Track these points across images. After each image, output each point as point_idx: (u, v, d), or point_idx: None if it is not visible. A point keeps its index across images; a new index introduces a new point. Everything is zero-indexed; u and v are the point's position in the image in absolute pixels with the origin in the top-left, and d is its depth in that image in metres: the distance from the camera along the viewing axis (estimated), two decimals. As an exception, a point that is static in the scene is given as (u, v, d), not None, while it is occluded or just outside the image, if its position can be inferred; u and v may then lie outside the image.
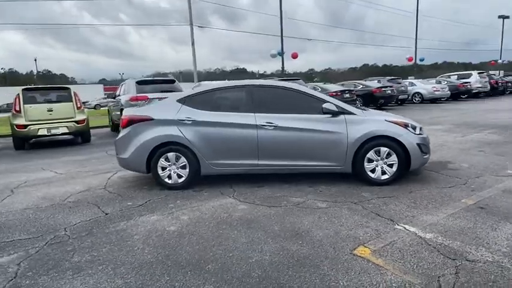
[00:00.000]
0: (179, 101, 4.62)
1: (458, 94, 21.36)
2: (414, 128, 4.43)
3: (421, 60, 32.28)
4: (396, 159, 4.29)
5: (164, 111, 4.59)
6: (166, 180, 4.55)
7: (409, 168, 4.36)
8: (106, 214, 3.78)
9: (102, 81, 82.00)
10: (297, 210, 3.64)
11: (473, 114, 12.64)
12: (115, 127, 12.73)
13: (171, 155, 4.49)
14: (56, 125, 8.78)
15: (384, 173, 4.34)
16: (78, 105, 9.26)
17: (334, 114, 4.35)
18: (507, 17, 41.67)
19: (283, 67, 22.04)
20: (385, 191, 4.13)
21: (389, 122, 4.38)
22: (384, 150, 4.29)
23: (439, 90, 19.94)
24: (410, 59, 30.73)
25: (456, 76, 23.94)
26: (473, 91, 21.84)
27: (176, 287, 2.34)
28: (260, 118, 4.40)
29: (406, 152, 4.27)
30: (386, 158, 4.31)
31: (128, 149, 4.59)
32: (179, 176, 4.54)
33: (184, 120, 4.47)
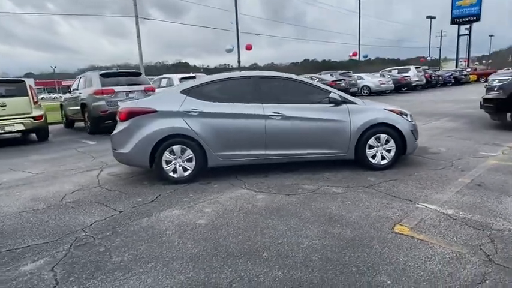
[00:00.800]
0: (183, 92, 4.45)
1: (400, 87, 23.22)
2: (406, 115, 4.78)
3: (365, 56, 34.45)
4: (394, 145, 4.60)
5: (168, 102, 4.39)
6: (172, 174, 4.37)
7: (405, 153, 4.70)
8: (120, 212, 3.54)
9: (30, 75, 74.48)
10: (317, 197, 3.75)
11: (421, 104, 13.87)
12: (69, 123, 11.80)
13: (176, 147, 4.32)
14: (10, 121, 7.86)
15: (383, 158, 4.63)
16: (35, 100, 8.39)
17: (338, 103, 4.53)
18: (434, 18, 46.00)
19: (239, 61, 22.04)
20: (387, 175, 4.42)
21: (388, 110, 4.67)
22: (384, 136, 4.57)
23: (384, 84, 21.49)
24: (354, 54, 32.59)
25: (397, 70, 25.98)
26: (413, 84, 23.91)
27: (244, 276, 2.31)
28: (268, 108, 4.42)
29: (402, 138, 4.60)
30: (385, 144, 4.60)
31: (128, 143, 4.32)
32: (184, 170, 4.39)
33: (190, 111, 4.32)
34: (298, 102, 4.55)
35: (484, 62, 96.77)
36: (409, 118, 4.76)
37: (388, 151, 4.62)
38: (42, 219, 3.43)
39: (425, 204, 3.39)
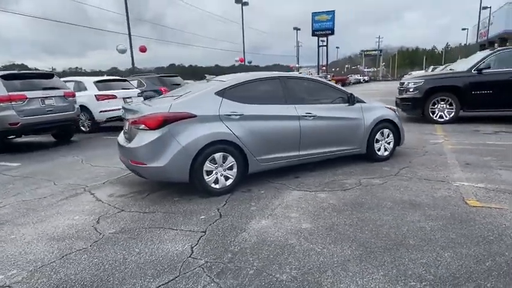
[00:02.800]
0: (218, 93, 4.10)
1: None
2: (396, 111, 5.58)
3: (249, 62, 36.54)
4: (393, 138, 5.32)
5: (205, 106, 3.97)
6: (213, 185, 3.98)
7: (399, 145, 5.48)
8: (204, 232, 3.09)
9: None
10: (370, 188, 4.07)
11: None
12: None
13: (218, 155, 3.95)
14: None
15: (385, 150, 5.29)
16: None
17: (353, 102, 4.95)
18: (299, 29, 52.25)
19: (133, 63, 20.39)
20: (394, 164, 5.08)
21: (387, 107, 5.35)
22: (386, 131, 5.23)
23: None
24: (241, 60, 34.22)
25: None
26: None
27: (425, 262, 2.44)
28: (300, 109, 4.49)
29: (398, 131, 5.35)
30: (387, 138, 5.27)
31: (163, 154, 3.73)
32: (226, 179, 4.06)
33: (230, 115, 4.02)
34: (321, 103, 4.77)
35: (332, 69, 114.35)
36: (398, 114, 5.56)
37: (388, 143, 5.30)
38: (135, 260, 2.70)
39: (460, 183, 4.11)
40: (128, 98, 10.46)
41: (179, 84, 13.94)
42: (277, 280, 2.31)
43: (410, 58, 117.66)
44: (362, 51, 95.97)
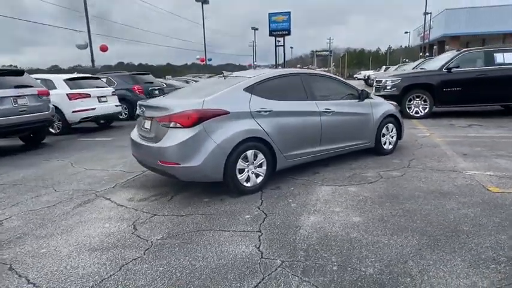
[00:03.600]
0: (246, 89, 3.99)
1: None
2: (396, 106, 5.84)
3: (209, 60, 36.08)
4: (395, 132, 5.57)
5: (236, 102, 3.85)
6: (245, 183, 3.88)
7: (401, 138, 5.75)
8: (259, 232, 2.99)
9: None
10: (394, 180, 4.23)
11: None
12: None
13: (250, 153, 3.86)
14: None
15: (389, 144, 5.52)
16: None
17: (363, 98, 5.10)
18: (257, 29, 52.62)
19: (92, 60, 19.16)
20: (401, 157, 5.32)
21: (390, 103, 5.59)
22: (391, 126, 5.47)
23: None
24: (202, 60, 33.64)
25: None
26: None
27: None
28: (320, 105, 4.53)
29: (400, 126, 5.62)
30: (391, 132, 5.50)
31: (198, 153, 3.55)
32: (256, 176, 3.98)
33: (260, 111, 3.94)
34: (335, 98, 4.85)
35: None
36: (398, 109, 5.83)
37: (392, 137, 5.55)
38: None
39: (471, 171, 4.42)
40: (102, 97, 9.82)
41: (152, 82, 13.38)
42: (366, 274, 2.31)
43: (358, 59, 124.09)
44: (312, 51, 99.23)
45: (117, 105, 10.46)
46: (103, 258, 2.65)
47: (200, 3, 32.32)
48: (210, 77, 16.25)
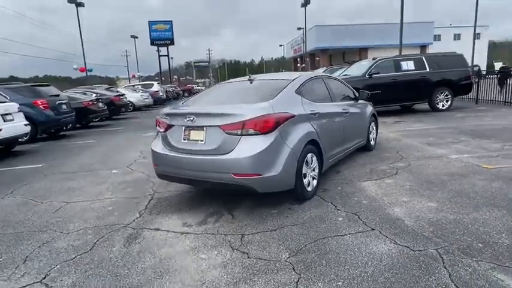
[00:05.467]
0: (297, 92, 3.92)
1: (155, 102, 24.36)
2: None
3: (90, 70, 32.21)
4: (375, 129, 6.26)
5: (294, 105, 3.76)
6: (308, 188, 3.81)
7: (376, 135, 6.46)
8: (373, 230, 3.02)
9: None
10: (414, 169, 4.77)
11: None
12: None
13: (309, 156, 3.82)
14: None
15: (373, 140, 6.16)
16: None
17: (358, 99, 5.57)
18: (136, 37, 49.86)
19: None
20: (385, 151, 6.00)
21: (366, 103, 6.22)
22: (373, 124, 6.11)
23: (148, 98, 21.89)
24: (82, 70, 29.79)
25: (140, 86, 26.82)
26: (163, 98, 25.79)
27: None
28: (340, 106, 4.78)
29: (377, 124, 6.34)
30: (373, 130, 6.16)
31: (278, 161, 3.34)
32: (312, 180, 3.95)
33: (311, 114, 3.94)
34: (346, 100, 5.17)
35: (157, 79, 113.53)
36: (372, 109, 6.53)
37: (374, 134, 6.21)
38: None
39: (454, 156, 5.34)
40: (7, 114, 7.85)
41: (58, 95, 11.28)
42: (501, 242, 2.62)
43: (234, 69, 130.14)
44: (187, 62, 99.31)
45: (26, 125, 8.52)
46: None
47: (84, 7, 28.72)
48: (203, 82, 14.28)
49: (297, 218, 3.38)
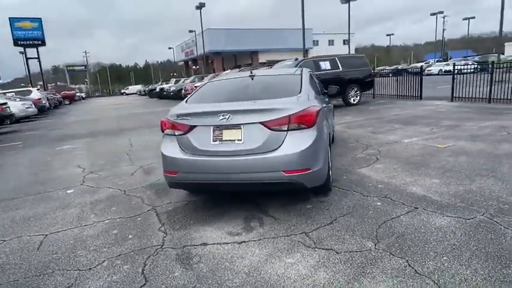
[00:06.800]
0: (310, 85, 4.00)
1: (39, 111, 20.79)
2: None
3: None
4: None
5: (313, 98, 3.74)
6: (330, 179, 3.89)
7: (333, 127, 6.95)
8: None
9: None
10: (391, 153, 5.34)
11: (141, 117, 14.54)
12: None
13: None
14: None
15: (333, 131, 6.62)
16: None
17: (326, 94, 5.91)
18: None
19: None
20: (349, 142, 6.53)
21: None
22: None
23: (30, 107, 18.51)
24: None
25: (14, 93, 22.53)
26: (47, 106, 22.19)
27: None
28: (325, 99, 5.01)
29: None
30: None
31: (320, 154, 3.34)
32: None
33: (323, 106, 4.03)
34: (323, 94, 5.41)
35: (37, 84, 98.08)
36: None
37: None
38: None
39: (407, 140, 6.16)
40: None
41: None
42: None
43: (117, 74, 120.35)
44: (55, 66, 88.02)
45: None
46: None
47: None
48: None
49: (337, 209, 3.41)
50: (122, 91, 71.62)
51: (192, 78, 26.32)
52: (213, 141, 3.25)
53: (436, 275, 2.24)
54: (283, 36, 44.85)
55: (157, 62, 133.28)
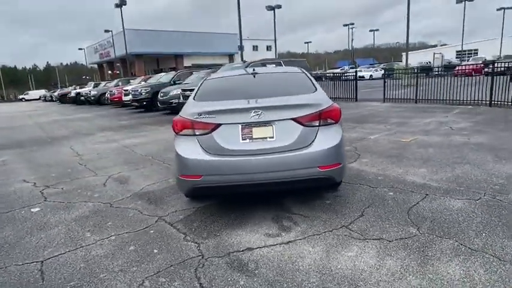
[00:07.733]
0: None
1: None
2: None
3: None
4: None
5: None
6: (339, 175, 4.00)
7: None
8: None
9: None
10: (368, 154, 5.69)
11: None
12: None
13: (336, 144, 4.01)
14: None
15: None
16: None
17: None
18: None
19: None
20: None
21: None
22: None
23: None
24: None
25: None
26: None
27: None
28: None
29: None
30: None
31: (344, 149, 3.42)
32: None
33: (328, 104, 4.13)
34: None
35: None
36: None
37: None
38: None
39: (373, 137, 6.64)
40: None
41: None
42: None
43: (11, 77, 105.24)
44: None
45: None
46: (453, 259, 2.38)
47: None
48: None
49: (357, 202, 3.52)
50: (21, 97, 62.82)
51: (115, 81, 24.41)
52: (242, 139, 3.07)
53: (490, 250, 2.46)
54: (209, 40, 44.59)
55: (62, 64, 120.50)
